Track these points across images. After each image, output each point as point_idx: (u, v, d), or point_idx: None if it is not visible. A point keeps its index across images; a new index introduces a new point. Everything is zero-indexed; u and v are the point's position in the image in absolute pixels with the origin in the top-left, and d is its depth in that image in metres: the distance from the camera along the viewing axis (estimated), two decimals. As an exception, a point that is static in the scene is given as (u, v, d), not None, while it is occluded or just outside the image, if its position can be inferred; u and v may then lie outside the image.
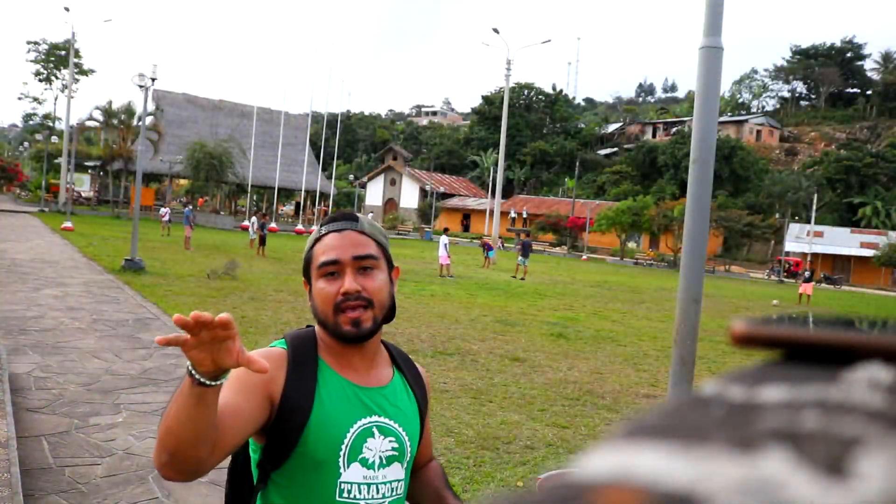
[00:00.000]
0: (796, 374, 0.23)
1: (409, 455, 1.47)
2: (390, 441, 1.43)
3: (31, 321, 8.87)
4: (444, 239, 21.74)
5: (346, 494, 1.37)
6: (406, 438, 1.46)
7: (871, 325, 0.28)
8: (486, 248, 28.31)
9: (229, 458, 1.49)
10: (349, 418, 1.39)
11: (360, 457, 1.39)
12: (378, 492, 1.40)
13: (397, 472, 1.44)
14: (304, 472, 1.36)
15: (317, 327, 1.48)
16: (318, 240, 1.45)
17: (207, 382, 1.14)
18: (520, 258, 23.42)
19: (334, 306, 1.38)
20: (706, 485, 0.17)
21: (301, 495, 1.37)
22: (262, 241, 23.53)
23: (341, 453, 1.37)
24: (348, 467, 1.37)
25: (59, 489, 4.13)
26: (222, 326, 1.10)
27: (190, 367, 1.13)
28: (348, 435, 1.38)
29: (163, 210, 30.53)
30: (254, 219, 24.95)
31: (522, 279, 22.56)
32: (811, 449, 0.18)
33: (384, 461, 1.41)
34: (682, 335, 4.26)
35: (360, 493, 1.38)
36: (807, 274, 25.92)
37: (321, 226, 1.48)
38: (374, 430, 1.41)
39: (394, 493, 1.44)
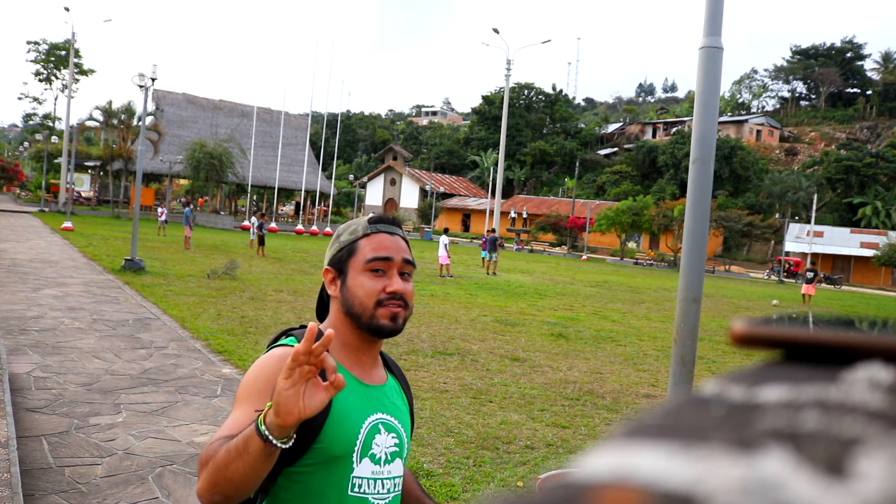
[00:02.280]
0: (796, 374, 0.23)
1: (406, 451, 1.52)
2: (393, 437, 1.47)
3: (31, 321, 8.87)
4: (444, 239, 21.74)
5: (357, 489, 1.40)
6: (404, 435, 1.51)
7: (871, 325, 0.28)
8: (484, 245, 26.74)
9: None
10: (362, 415, 1.43)
11: (370, 452, 1.42)
12: (384, 487, 1.44)
13: (399, 468, 1.49)
14: (319, 468, 1.38)
15: (332, 322, 1.50)
16: (366, 235, 1.47)
17: (282, 446, 1.17)
18: (484, 253, 24.53)
19: (377, 301, 1.43)
20: (706, 485, 0.17)
21: (315, 491, 1.39)
22: (262, 241, 23.54)
23: (355, 449, 1.40)
24: (360, 462, 1.41)
25: (59, 489, 4.13)
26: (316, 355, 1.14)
27: (266, 432, 1.16)
28: (361, 430, 1.42)
29: (160, 210, 30.57)
30: (254, 219, 24.96)
31: (495, 274, 23.05)
32: (811, 449, 0.18)
33: (389, 457, 1.45)
34: (682, 335, 4.26)
35: (370, 487, 1.42)
36: (809, 275, 25.72)
37: (370, 223, 1.49)
38: (380, 426, 1.45)
39: (396, 489, 1.48)
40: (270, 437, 1.15)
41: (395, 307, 1.43)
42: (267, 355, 1.42)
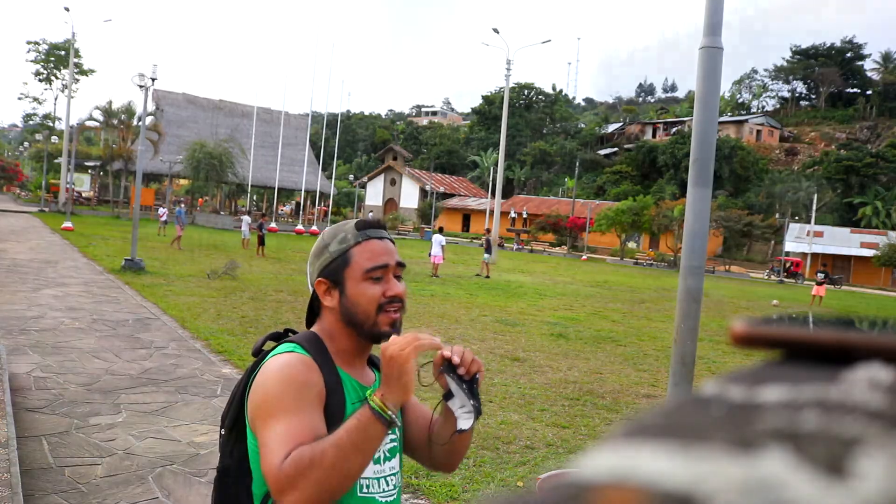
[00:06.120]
0: (796, 374, 0.23)
1: (402, 443, 1.56)
2: (390, 434, 1.47)
3: (31, 321, 8.87)
4: (441, 239, 21.25)
5: (365, 490, 1.43)
6: (397, 429, 1.53)
7: (871, 325, 0.28)
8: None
9: (218, 459, 1.56)
10: None
11: None
12: (388, 484, 1.47)
13: (397, 462, 1.52)
14: None
15: (327, 329, 1.49)
16: (357, 243, 1.47)
17: (399, 422, 1.30)
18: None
19: (378, 307, 1.45)
20: (706, 485, 0.17)
21: None
22: (261, 241, 23.54)
23: None
24: None
25: (59, 489, 4.13)
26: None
27: (392, 415, 1.26)
28: None
29: (160, 210, 30.61)
30: (247, 217, 24.89)
31: (487, 276, 21.85)
32: (811, 449, 0.18)
33: (388, 454, 1.48)
34: (682, 335, 4.26)
35: (375, 487, 1.45)
36: (819, 276, 26.03)
37: (358, 230, 1.49)
38: None
39: (398, 483, 1.52)
40: (395, 418, 1.27)
41: (394, 312, 1.46)
42: (283, 363, 1.39)
